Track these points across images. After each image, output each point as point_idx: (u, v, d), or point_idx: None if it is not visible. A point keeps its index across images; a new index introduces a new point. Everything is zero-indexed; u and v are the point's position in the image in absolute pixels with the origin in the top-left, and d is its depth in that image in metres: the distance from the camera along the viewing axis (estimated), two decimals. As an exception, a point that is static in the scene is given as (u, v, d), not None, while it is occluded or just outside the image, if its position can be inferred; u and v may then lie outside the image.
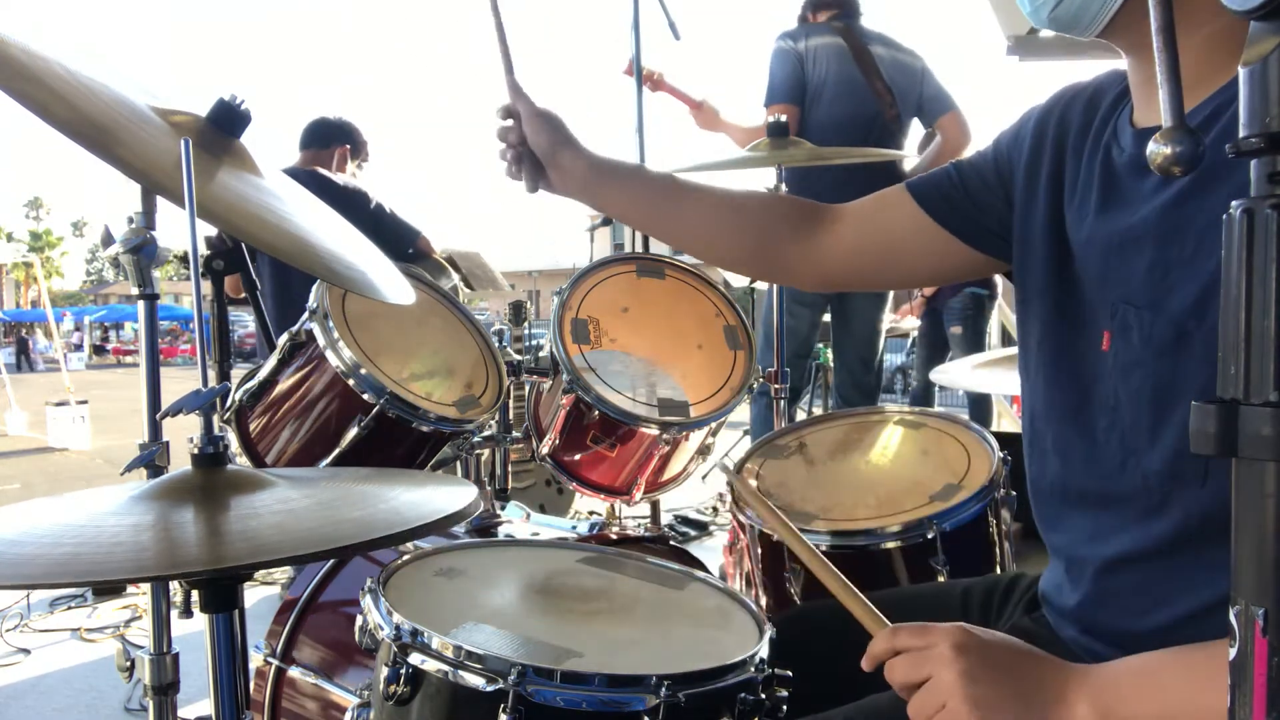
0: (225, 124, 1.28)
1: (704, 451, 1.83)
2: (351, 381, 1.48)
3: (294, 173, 3.50)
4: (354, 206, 3.48)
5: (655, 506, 2.53)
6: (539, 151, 1.29)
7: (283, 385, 1.59)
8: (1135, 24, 0.87)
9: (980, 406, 4.74)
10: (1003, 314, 5.35)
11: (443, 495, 0.92)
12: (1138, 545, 0.88)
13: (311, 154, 3.68)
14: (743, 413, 2.65)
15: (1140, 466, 0.86)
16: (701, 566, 1.49)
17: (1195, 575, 0.84)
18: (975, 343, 4.67)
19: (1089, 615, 0.96)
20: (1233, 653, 0.46)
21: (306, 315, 1.53)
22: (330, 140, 3.71)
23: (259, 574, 3.40)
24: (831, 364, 3.88)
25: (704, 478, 1.99)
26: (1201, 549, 0.83)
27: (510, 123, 1.31)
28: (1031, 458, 1.04)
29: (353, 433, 1.49)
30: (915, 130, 3.50)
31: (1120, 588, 0.91)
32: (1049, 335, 1.00)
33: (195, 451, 0.90)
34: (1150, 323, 0.84)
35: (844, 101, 3.23)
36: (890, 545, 1.45)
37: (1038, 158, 1.03)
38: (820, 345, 4.81)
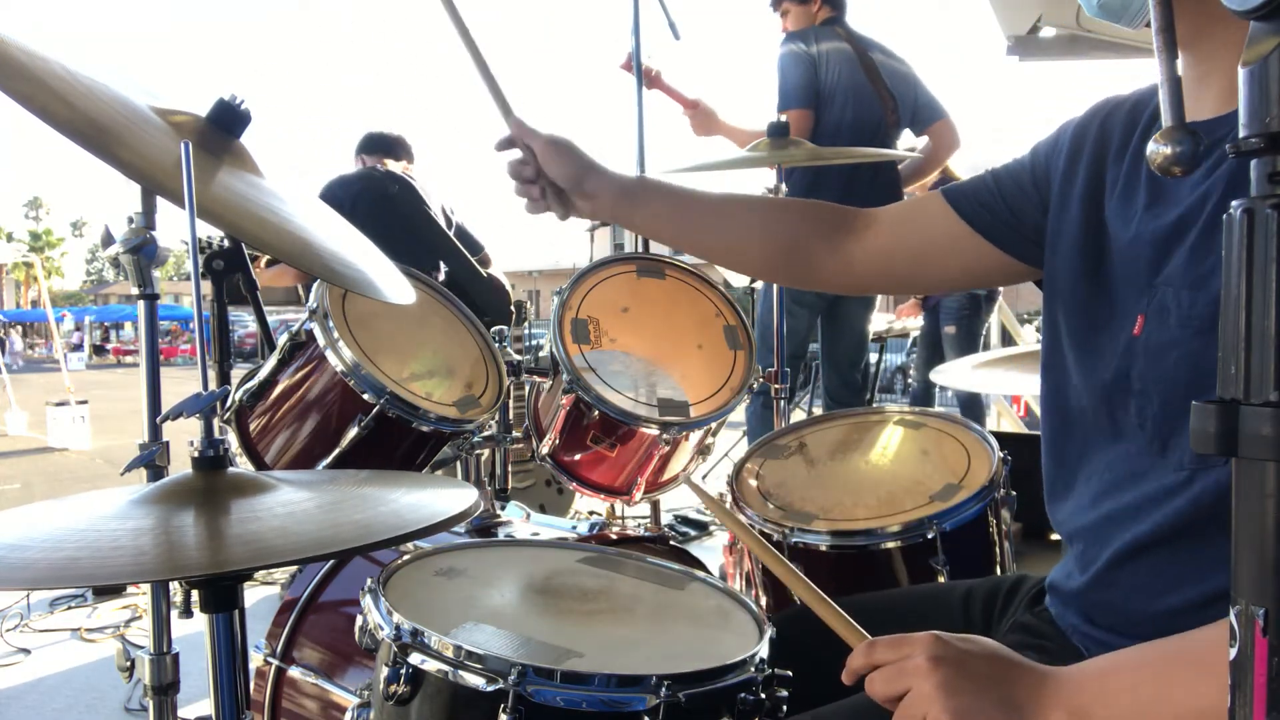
0: (225, 124, 1.28)
1: (704, 451, 1.83)
2: (351, 381, 1.48)
3: (393, 175, 3.55)
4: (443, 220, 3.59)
5: (655, 506, 2.53)
6: (562, 182, 1.27)
7: (283, 385, 1.59)
8: (1183, 17, 0.87)
9: (973, 407, 4.73)
10: (1003, 314, 5.35)
11: (443, 498, 0.92)
12: (1159, 525, 0.89)
13: (375, 160, 3.73)
14: (743, 412, 2.65)
15: (1181, 447, 0.88)
16: (701, 566, 1.49)
17: (1205, 561, 0.85)
18: (969, 343, 4.66)
19: (1096, 597, 0.97)
20: (1233, 653, 0.46)
21: (306, 315, 1.53)
22: (400, 154, 3.79)
23: (259, 574, 3.41)
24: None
25: (704, 478, 1.99)
26: (1215, 532, 0.85)
27: (520, 156, 1.29)
28: (1053, 444, 1.05)
29: (353, 433, 1.49)
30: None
31: (1134, 570, 0.93)
32: (1079, 329, 1.02)
33: (196, 455, 0.90)
34: (1190, 303, 0.86)
35: (853, 107, 3.24)
36: (890, 545, 1.46)
37: (1074, 164, 1.06)
38: (814, 346, 4.83)
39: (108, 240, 1.26)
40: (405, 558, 1.15)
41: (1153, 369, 0.90)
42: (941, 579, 1.41)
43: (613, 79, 3.07)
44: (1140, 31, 0.93)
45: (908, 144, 3.59)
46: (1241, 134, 0.45)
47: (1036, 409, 5.14)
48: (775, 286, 2.49)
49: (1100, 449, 0.98)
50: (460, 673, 0.88)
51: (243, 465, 1.58)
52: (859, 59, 3.27)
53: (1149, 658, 0.79)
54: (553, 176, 1.27)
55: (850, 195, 3.21)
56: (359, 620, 1.00)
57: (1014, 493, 1.54)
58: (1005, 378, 2.40)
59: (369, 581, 1.02)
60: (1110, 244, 1.00)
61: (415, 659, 0.91)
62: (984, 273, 1.19)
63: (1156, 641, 0.80)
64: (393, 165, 3.68)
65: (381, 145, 3.78)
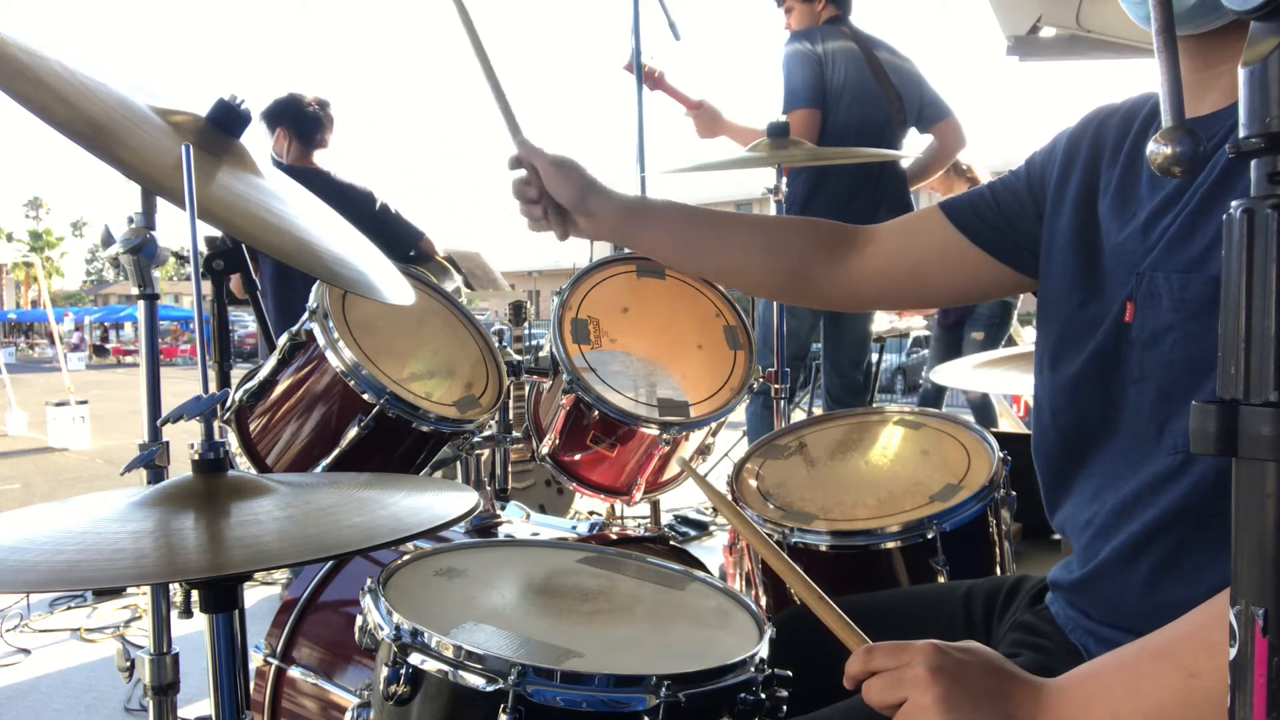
0: (225, 124, 1.28)
1: (704, 451, 1.83)
2: (352, 381, 1.48)
3: (293, 170, 3.45)
4: (357, 206, 3.43)
5: (655, 506, 2.53)
6: (565, 202, 1.29)
7: (283, 385, 1.59)
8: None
9: (984, 410, 4.72)
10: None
11: (443, 501, 0.92)
12: (1162, 511, 0.89)
13: (287, 139, 3.50)
14: (743, 412, 2.65)
15: (1174, 431, 0.88)
16: (701, 566, 1.49)
17: (1208, 552, 0.86)
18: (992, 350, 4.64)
19: (1097, 590, 0.97)
20: (1233, 653, 0.46)
21: (306, 315, 1.53)
22: (324, 135, 3.55)
23: (259, 574, 3.40)
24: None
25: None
26: (1216, 521, 0.85)
27: (524, 175, 1.30)
28: (1048, 446, 1.06)
29: (353, 433, 1.49)
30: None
31: (1136, 562, 0.93)
32: (1073, 328, 1.02)
33: (196, 458, 0.90)
34: (1182, 285, 0.87)
35: (861, 106, 3.22)
36: (890, 545, 1.46)
37: (1068, 172, 1.08)
38: (815, 346, 4.82)
39: (108, 240, 1.26)
40: (405, 558, 1.15)
41: (1149, 354, 0.91)
42: (941, 579, 1.41)
43: (613, 80, 3.07)
44: (1140, 32, 0.93)
45: (913, 142, 3.58)
46: (1241, 134, 0.45)
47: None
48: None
49: (1097, 444, 0.99)
50: (460, 673, 0.88)
51: (242, 465, 1.58)
52: (865, 58, 3.26)
53: (1124, 656, 0.80)
54: (556, 196, 1.28)
55: (857, 194, 3.20)
56: (359, 620, 1.00)
57: (1014, 493, 1.54)
58: (1005, 378, 2.40)
59: (369, 581, 1.02)
60: (1102, 244, 1.01)
61: (415, 659, 0.91)
62: (983, 285, 1.20)
63: (1130, 644, 0.80)
64: (319, 156, 3.50)
65: (295, 127, 3.47)
